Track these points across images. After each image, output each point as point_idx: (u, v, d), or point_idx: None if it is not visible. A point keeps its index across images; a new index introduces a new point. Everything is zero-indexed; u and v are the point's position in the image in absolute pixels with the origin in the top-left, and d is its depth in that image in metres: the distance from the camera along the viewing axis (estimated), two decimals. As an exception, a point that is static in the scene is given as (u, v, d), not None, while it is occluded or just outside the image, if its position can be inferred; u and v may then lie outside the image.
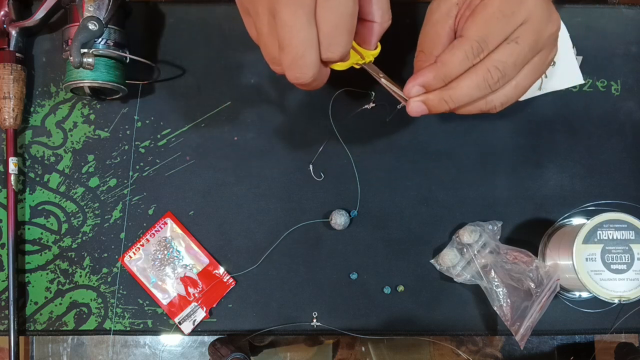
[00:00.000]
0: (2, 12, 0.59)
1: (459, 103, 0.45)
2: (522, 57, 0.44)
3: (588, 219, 0.54)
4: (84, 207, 0.61)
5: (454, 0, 0.45)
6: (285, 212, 0.61)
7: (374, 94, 0.61)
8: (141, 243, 0.60)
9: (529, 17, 0.43)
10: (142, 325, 0.60)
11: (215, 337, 0.60)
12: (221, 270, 0.60)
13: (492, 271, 0.57)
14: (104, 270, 0.60)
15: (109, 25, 0.56)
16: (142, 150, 0.61)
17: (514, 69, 0.44)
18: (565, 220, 0.61)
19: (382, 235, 0.61)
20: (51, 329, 0.60)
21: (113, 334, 0.60)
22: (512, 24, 0.43)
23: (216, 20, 0.63)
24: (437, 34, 0.46)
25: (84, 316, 0.60)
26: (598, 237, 0.53)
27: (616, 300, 0.53)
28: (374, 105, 0.61)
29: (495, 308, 0.57)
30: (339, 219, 0.59)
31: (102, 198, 0.61)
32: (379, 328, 0.60)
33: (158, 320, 0.60)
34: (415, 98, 0.46)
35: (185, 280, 0.60)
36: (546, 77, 0.61)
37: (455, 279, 0.58)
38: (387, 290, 0.60)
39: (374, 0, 0.44)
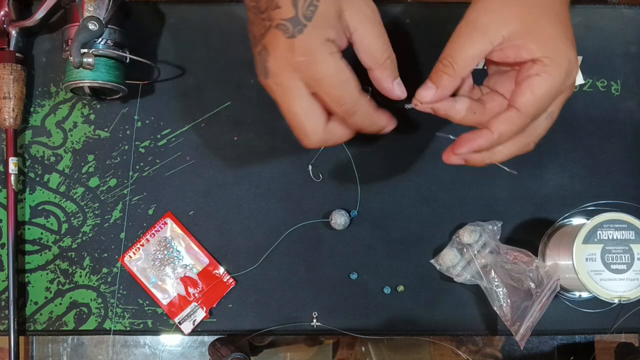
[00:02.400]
0: (2, 12, 0.59)
1: (495, 162, 0.49)
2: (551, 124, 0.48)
3: (588, 219, 0.54)
4: (84, 207, 0.61)
5: (495, 41, 0.45)
6: (285, 212, 0.61)
7: (370, 89, 0.61)
8: (141, 243, 0.60)
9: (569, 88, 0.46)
10: (142, 325, 0.60)
11: (215, 337, 0.60)
12: (221, 270, 0.60)
13: (492, 271, 0.57)
14: (104, 270, 0.60)
15: (109, 25, 0.56)
16: (142, 150, 0.61)
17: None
18: (565, 220, 0.61)
19: (382, 235, 0.61)
20: (51, 329, 0.60)
21: (113, 334, 0.60)
22: (558, 100, 0.46)
23: (216, 20, 0.63)
24: (471, 60, 0.46)
25: (84, 316, 0.60)
26: (598, 237, 0.53)
27: (616, 300, 0.53)
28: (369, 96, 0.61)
29: (495, 308, 0.57)
30: (339, 219, 0.59)
31: (102, 198, 0.61)
32: (379, 328, 0.60)
33: (158, 320, 0.60)
34: (460, 155, 0.48)
35: (185, 280, 0.60)
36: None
37: (455, 279, 0.58)
38: (387, 290, 0.60)
39: (358, 49, 0.46)
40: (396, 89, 0.48)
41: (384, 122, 0.49)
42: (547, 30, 0.44)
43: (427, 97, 0.47)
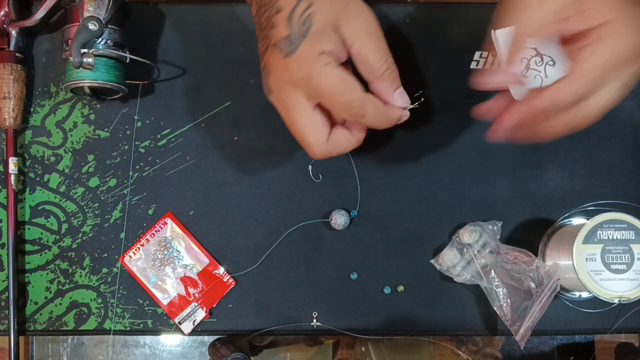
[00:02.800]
0: (2, 12, 0.59)
1: (544, 139, 0.46)
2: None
3: (588, 219, 0.54)
4: (84, 207, 0.61)
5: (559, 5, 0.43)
6: (285, 212, 0.61)
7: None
8: (141, 243, 0.60)
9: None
10: (142, 325, 0.60)
11: (215, 337, 0.60)
12: (221, 270, 0.60)
13: (492, 271, 0.57)
14: (104, 270, 0.60)
15: (109, 25, 0.56)
16: (142, 150, 0.61)
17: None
18: (565, 220, 0.61)
19: (382, 235, 0.61)
20: (51, 329, 0.60)
21: (113, 334, 0.60)
22: (631, 69, 0.42)
23: (216, 20, 0.63)
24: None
25: (84, 316, 0.60)
26: (598, 237, 0.53)
27: (616, 300, 0.53)
28: None
29: (495, 308, 0.57)
30: (339, 219, 0.59)
31: (102, 198, 0.61)
32: (379, 328, 0.60)
33: (158, 320, 0.60)
34: (507, 126, 0.46)
35: (185, 280, 0.60)
36: (546, 77, 0.61)
37: (455, 279, 0.58)
38: (387, 290, 0.60)
39: (356, 62, 0.47)
40: (397, 100, 0.49)
41: (397, 114, 0.49)
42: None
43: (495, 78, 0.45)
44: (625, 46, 0.41)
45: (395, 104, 0.49)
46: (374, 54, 0.46)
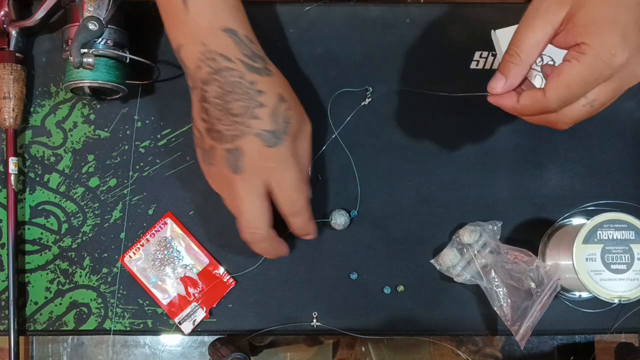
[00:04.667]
0: (2, 12, 0.59)
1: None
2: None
3: (588, 219, 0.54)
4: (84, 207, 0.61)
5: (555, 23, 0.44)
6: (285, 212, 0.61)
7: (371, 89, 0.61)
8: (141, 243, 0.60)
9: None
10: (142, 325, 0.60)
11: (215, 337, 0.60)
12: (221, 270, 0.60)
13: (492, 271, 0.57)
14: (104, 270, 0.60)
15: (109, 25, 0.56)
16: (142, 150, 0.61)
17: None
18: (565, 220, 0.61)
19: (382, 235, 0.61)
20: (51, 329, 0.60)
21: (113, 334, 0.60)
22: (600, 89, 0.43)
23: (216, 20, 0.63)
24: (535, 47, 0.45)
25: (84, 316, 0.60)
26: (598, 237, 0.53)
27: (616, 300, 0.53)
28: (370, 100, 0.61)
29: (495, 308, 0.57)
30: (339, 219, 0.59)
31: (102, 198, 0.61)
32: (379, 328, 0.60)
33: (158, 320, 0.60)
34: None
35: (185, 280, 0.60)
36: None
37: (455, 279, 0.58)
38: (387, 290, 0.60)
39: (276, 197, 0.52)
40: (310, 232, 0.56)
41: (284, 251, 0.56)
42: (596, 13, 0.42)
43: (498, 88, 0.46)
44: (590, 71, 0.42)
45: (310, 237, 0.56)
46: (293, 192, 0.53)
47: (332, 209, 0.60)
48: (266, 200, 0.51)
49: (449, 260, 0.58)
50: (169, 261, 0.60)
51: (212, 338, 0.61)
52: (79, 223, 0.61)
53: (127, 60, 0.58)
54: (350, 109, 0.62)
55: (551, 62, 0.56)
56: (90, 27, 0.54)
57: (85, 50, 0.55)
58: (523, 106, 0.45)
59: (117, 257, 0.60)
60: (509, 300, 0.56)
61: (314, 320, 0.60)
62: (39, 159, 0.61)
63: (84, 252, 0.60)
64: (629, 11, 0.42)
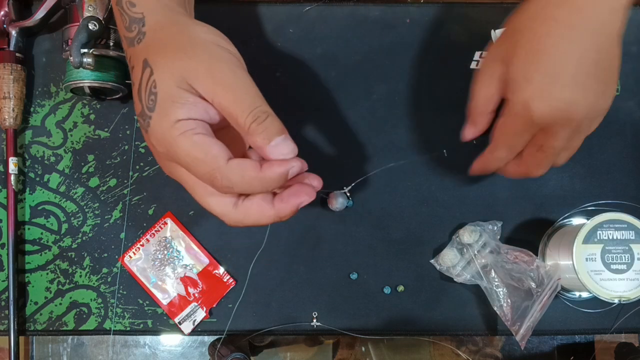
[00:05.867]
0: (2, 12, 0.59)
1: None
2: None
3: (588, 219, 0.54)
4: (84, 207, 0.61)
5: (501, 76, 0.47)
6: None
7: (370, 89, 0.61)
8: (141, 243, 0.60)
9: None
10: (142, 325, 0.60)
11: (215, 337, 0.60)
12: (221, 270, 0.60)
13: (492, 271, 0.57)
14: (104, 270, 0.60)
15: (109, 25, 0.56)
16: (142, 150, 0.61)
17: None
18: (565, 220, 0.61)
19: (382, 235, 0.61)
20: (51, 329, 0.60)
21: (113, 334, 0.60)
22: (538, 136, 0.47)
23: (216, 20, 0.63)
24: (488, 100, 0.49)
25: (84, 316, 0.60)
26: (598, 237, 0.53)
27: (616, 300, 0.53)
28: (370, 100, 0.61)
29: (495, 308, 0.57)
30: (338, 199, 0.58)
31: (102, 198, 0.61)
32: (379, 328, 0.60)
33: (158, 320, 0.60)
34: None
35: (185, 280, 0.60)
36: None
37: (455, 279, 0.58)
38: (387, 290, 0.60)
39: (225, 118, 0.41)
40: (273, 153, 0.40)
41: (277, 171, 0.40)
42: (517, 71, 0.44)
43: (470, 135, 0.51)
44: (512, 124, 0.46)
45: (272, 157, 0.40)
46: (234, 107, 0.40)
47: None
48: (201, 139, 0.40)
49: (449, 260, 0.58)
50: (169, 261, 0.60)
51: (212, 338, 0.61)
52: (79, 223, 0.61)
53: (127, 60, 0.58)
54: (350, 109, 0.62)
55: None
56: (90, 27, 0.54)
57: (85, 50, 0.55)
58: (485, 159, 0.50)
59: (117, 257, 0.60)
60: (509, 300, 0.56)
61: (314, 320, 0.60)
62: (39, 159, 0.61)
63: (84, 252, 0.60)
64: (566, 54, 0.43)
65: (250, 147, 0.44)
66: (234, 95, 0.40)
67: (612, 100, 0.46)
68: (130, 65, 0.43)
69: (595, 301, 0.59)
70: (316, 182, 0.44)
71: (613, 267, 0.53)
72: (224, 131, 0.43)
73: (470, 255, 0.58)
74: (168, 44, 0.41)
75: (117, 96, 0.60)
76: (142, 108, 0.41)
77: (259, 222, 0.43)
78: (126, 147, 0.61)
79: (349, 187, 0.59)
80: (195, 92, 0.40)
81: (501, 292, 0.56)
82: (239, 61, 0.43)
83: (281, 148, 0.40)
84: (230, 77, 0.41)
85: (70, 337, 0.70)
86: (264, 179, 0.40)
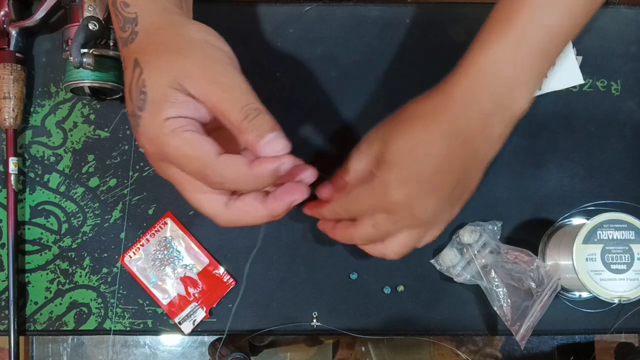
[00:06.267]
0: (2, 12, 0.59)
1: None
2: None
3: (588, 219, 0.54)
4: (84, 207, 0.61)
5: (370, 156, 0.48)
6: (285, 212, 0.61)
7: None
8: (141, 243, 0.60)
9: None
10: (142, 325, 0.60)
11: (215, 337, 0.60)
12: (221, 270, 0.60)
13: (492, 271, 0.57)
14: (104, 270, 0.60)
15: (109, 25, 0.56)
16: (142, 150, 0.61)
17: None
18: (565, 220, 0.61)
19: (382, 235, 0.60)
20: (51, 329, 0.60)
21: (113, 334, 0.60)
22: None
23: (216, 20, 0.63)
24: (356, 172, 0.50)
25: (84, 316, 0.60)
26: (598, 237, 0.53)
27: (616, 300, 0.53)
28: (370, 100, 0.61)
29: (495, 308, 0.57)
30: None
31: (102, 198, 0.61)
32: (379, 328, 0.60)
33: (158, 320, 0.60)
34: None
35: (185, 280, 0.60)
36: (546, 77, 0.61)
37: (455, 279, 0.58)
38: (387, 290, 0.60)
39: (217, 117, 0.41)
40: (265, 150, 0.40)
41: (269, 168, 0.40)
42: (405, 159, 0.44)
43: (326, 195, 0.50)
44: (359, 193, 0.46)
45: (264, 154, 0.40)
46: (226, 105, 0.40)
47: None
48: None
49: (449, 260, 0.58)
50: (169, 261, 0.60)
51: (212, 338, 0.61)
52: (79, 223, 0.61)
53: (127, 60, 0.58)
54: (350, 109, 0.62)
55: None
56: (90, 27, 0.54)
57: (85, 50, 0.55)
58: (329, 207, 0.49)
59: (117, 257, 0.60)
60: (509, 300, 0.56)
61: (314, 320, 0.60)
62: (39, 159, 0.61)
63: (84, 252, 0.60)
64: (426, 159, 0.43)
65: (245, 149, 0.45)
66: (226, 93, 0.40)
67: (454, 216, 0.48)
68: (124, 66, 0.43)
69: (595, 301, 0.59)
70: (309, 175, 0.44)
71: (613, 267, 0.53)
72: (217, 132, 0.43)
73: (470, 255, 0.58)
74: (162, 44, 0.41)
75: (117, 96, 0.60)
76: (133, 108, 0.41)
77: (251, 222, 0.43)
78: (126, 147, 0.61)
79: None
80: (186, 91, 0.40)
81: (501, 292, 0.56)
82: (232, 60, 0.43)
83: (273, 145, 0.40)
84: (224, 75, 0.40)
85: (70, 337, 0.70)
86: (255, 175, 0.40)
